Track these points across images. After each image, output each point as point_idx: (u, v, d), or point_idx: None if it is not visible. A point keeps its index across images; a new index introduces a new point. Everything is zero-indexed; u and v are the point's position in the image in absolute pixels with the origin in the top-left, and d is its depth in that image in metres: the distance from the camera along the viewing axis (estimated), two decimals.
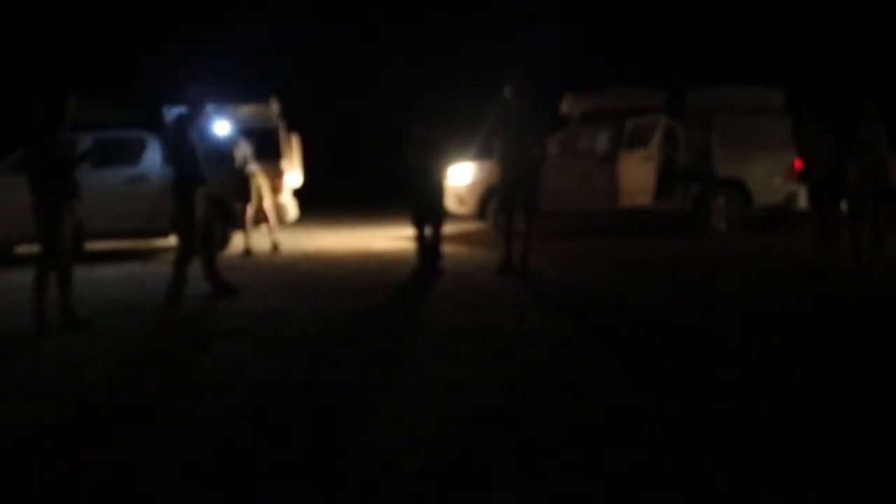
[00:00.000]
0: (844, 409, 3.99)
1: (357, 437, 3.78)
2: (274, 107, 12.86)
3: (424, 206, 9.06)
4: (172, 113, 11.66)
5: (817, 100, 9.18)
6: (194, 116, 7.70)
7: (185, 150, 7.50)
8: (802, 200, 11.65)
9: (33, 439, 3.88)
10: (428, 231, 9.12)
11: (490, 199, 12.87)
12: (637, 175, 12.94)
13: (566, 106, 14.46)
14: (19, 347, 5.95)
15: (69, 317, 6.51)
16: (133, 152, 11.58)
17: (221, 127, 10.84)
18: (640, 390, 4.42)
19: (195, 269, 7.78)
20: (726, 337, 5.71)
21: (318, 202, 18.00)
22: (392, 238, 13.65)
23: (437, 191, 9.08)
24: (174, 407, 4.34)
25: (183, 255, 7.62)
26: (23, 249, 11.76)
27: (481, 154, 13.41)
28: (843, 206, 8.77)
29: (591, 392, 4.35)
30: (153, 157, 11.44)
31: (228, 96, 12.22)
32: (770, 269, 9.04)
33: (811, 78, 19.64)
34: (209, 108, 8.12)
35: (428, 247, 9.13)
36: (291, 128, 13.53)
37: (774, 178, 13.08)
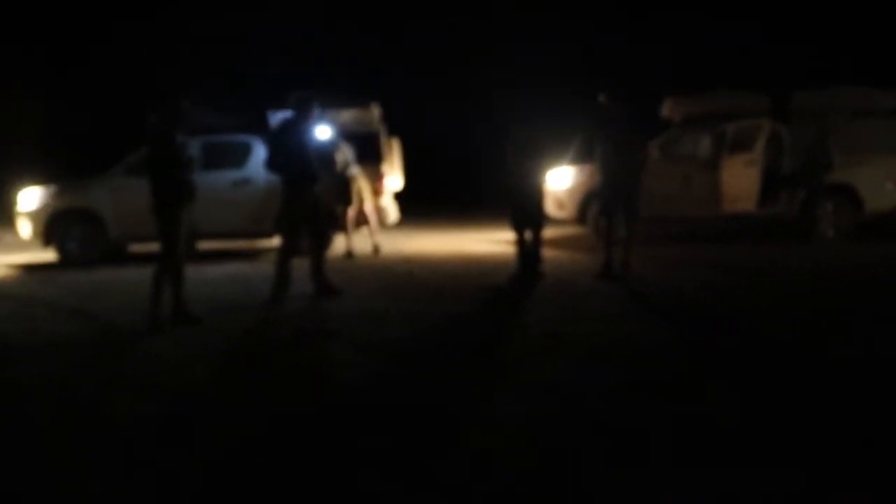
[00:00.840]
0: None
1: (449, 437, 3.83)
2: (375, 111, 13.05)
3: (524, 210, 9.05)
4: (276, 117, 12.00)
5: None
6: (302, 120, 7.89)
7: (293, 150, 7.71)
8: None
9: (145, 428, 4.05)
10: (528, 235, 9.11)
11: (590, 203, 12.76)
12: (740, 180, 12.63)
13: (667, 110, 14.21)
14: (133, 343, 6.21)
15: (181, 314, 6.76)
16: (239, 156, 11.95)
17: (323, 131, 11.06)
18: (738, 401, 4.34)
19: (301, 269, 7.97)
20: (833, 349, 5.54)
21: (417, 205, 18.15)
22: (491, 241, 13.67)
23: (536, 195, 9.06)
24: (275, 403, 4.47)
25: (284, 255, 7.82)
26: (136, 249, 12.26)
27: (580, 158, 13.30)
28: None
29: (690, 402, 4.28)
30: (258, 160, 11.74)
31: (330, 101, 12.46)
32: (877, 277, 8.72)
33: None
34: (315, 112, 8.29)
35: (528, 251, 9.12)
36: (391, 132, 13.70)
37: (886, 183, 12.59)
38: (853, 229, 12.64)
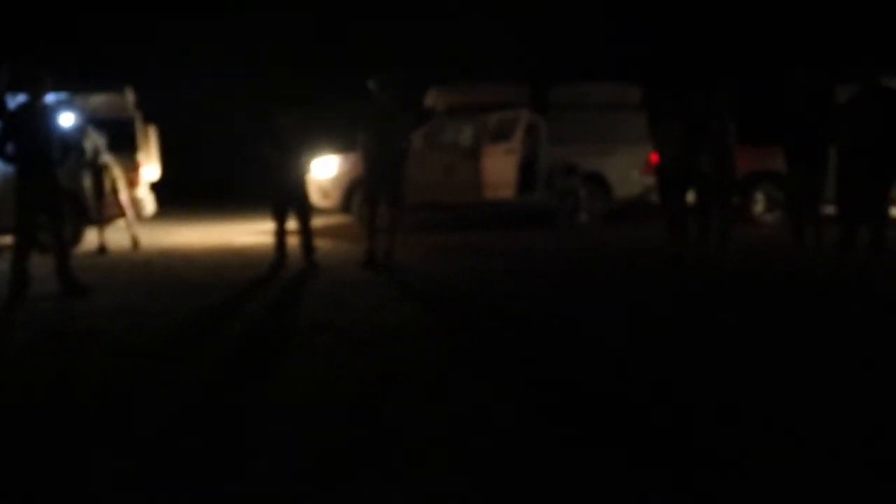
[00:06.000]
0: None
1: (220, 435, 3.65)
2: (129, 96, 12.32)
3: (285, 200, 8.91)
4: (15, 101, 11.07)
5: (671, 95, 9.37)
6: (36, 102, 7.31)
7: (27, 136, 7.14)
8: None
9: None
10: (293, 226, 8.96)
11: (354, 192, 12.81)
12: (500, 168, 13.11)
13: (430, 99, 14.51)
14: None
15: None
16: None
17: (66, 118, 10.28)
18: (495, 384, 4.43)
19: (45, 267, 7.40)
20: (595, 329, 5.81)
21: (176, 196, 17.47)
22: (254, 233, 13.39)
23: (298, 183, 8.92)
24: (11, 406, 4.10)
25: (21, 251, 7.24)
26: None
27: (345, 147, 13.28)
28: (692, 198, 8.89)
29: (451, 387, 4.32)
30: None
31: (79, 84, 11.68)
32: (625, 260, 9.32)
33: (666, 74, 20.25)
34: (52, 96, 7.68)
35: (301, 242, 8.97)
36: (148, 119, 13.02)
37: (632, 171, 13.52)
38: (605, 214, 13.57)
